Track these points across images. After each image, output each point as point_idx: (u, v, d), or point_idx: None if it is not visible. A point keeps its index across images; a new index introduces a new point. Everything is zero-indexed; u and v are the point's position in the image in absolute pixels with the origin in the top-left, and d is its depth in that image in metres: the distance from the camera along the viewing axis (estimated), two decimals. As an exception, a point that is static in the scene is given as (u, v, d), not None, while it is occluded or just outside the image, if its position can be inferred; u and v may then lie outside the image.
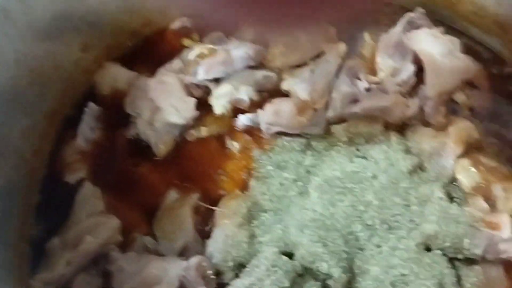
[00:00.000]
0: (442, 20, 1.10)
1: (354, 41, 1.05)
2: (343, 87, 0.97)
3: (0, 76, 0.88)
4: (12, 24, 0.88)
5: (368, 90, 0.98)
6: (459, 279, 0.84)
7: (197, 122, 1.01)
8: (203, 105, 1.01)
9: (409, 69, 1.00)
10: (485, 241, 0.84)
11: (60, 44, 0.97)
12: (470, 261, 0.86)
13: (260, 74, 1.02)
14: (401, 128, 0.99)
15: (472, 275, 0.85)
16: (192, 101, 1.00)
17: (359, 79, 0.99)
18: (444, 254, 0.84)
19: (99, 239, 0.87)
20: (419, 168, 0.93)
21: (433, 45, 0.99)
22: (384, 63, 1.02)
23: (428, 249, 0.85)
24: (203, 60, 1.01)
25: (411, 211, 0.86)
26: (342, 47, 1.02)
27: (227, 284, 0.85)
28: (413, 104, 0.98)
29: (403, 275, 0.81)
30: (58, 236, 0.89)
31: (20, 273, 0.87)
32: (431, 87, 0.98)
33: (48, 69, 0.95)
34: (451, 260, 0.85)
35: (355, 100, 0.98)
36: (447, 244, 0.83)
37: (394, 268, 0.81)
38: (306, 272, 0.83)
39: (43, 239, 0.89)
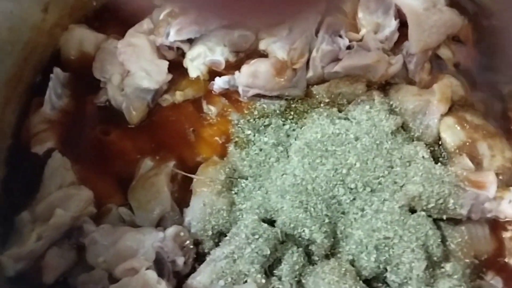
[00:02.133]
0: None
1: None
2: (323, 45, 0.93)
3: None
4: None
5: (349, 48, 0.93)
6: (444, 240, 0.82)
7: (171, 86, 0.96)
8: (177, 68, 0.96)
9: (392, 25, 0.96)
10: (470, 201, 0.82)
11: (16, 4, 0.90)
12: (455, 221, 0.84)
13: (236, 33, 0.96)
14: (384, 87, 0.96)
15: (457, 236, 0.83)
16: (164, 64, 0.95)
17: (340, 36, 0.95)
18: (429, 215, 0.82)
19: (70, 211, 0.83)
20: (403, 128, 0.90)
21: (416, -2, 0.95)
22: (366, 18, 0.98)
23: (412, 210, 0.83)
24: (175, 20, 0.95)
25: (395, 172, 0.84)
26: (321, 2, 0.97)
27: (207, 253, 0.82)
28: (396, 62, 0.94)
29: (387, 238, 0.79)
30: (28, 209, 0.85)
31: (-12, 250, 0.83)
32: (415, 43, 0.94)
33: (5, 32, 0.89)
34: (436, 221, 0.83)
35: (336, 59, 0.94)
36: (432, 205, 0.81)
37: (377, 231, 0.80)
38: (287, 239, 0.81)
39: (12, 213, 0.85)
